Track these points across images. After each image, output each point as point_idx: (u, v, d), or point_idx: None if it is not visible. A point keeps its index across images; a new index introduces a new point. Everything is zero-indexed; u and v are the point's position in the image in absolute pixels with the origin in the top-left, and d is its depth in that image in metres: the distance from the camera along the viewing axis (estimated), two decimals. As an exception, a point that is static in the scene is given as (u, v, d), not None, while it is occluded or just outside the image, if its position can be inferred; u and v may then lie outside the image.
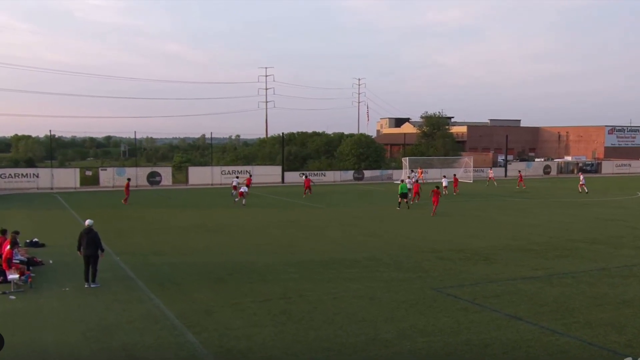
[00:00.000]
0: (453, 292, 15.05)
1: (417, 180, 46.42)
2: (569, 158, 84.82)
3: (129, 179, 40.95)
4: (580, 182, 45.94)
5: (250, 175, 49.23)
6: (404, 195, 34.90)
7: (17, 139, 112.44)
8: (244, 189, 38.03)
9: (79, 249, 15.84)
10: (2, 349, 8.96)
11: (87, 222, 16.14)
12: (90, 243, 15.64)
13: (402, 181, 38.12)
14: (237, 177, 47.45)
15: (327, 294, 14.79)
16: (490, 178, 57.56)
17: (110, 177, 51.13)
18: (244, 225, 27.68)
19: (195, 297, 14.46)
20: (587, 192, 44.86)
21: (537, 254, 20.38)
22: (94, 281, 15.59)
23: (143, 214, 32.01)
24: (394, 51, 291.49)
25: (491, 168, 63.19)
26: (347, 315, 12.92)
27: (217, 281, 16.16)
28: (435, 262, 18.80)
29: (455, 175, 48.55)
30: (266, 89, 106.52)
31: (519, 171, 58.99)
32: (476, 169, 65.47)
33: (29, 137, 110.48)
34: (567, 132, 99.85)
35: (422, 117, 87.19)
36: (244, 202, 36.80)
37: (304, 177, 48.36)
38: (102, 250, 16.03)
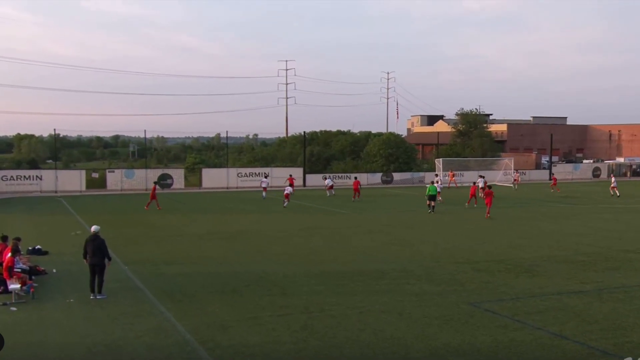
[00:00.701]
0: (491, 307, 14.90)
1: (446, 185, 47.17)
2: (621, 159, 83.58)
3: (155, 183, 41.51)
4: (612, 185, 47.45)
5: (291, 175, 50.26)
6: (431, 198, 35.79)
7: (20, 138, 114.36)
8: (288, 189, 39.61)
9: (84, 257, 16.04)
10: (2, 349, 9.61)
11: (93, 228, 16.36)
12: (97, 251, 15.80)
13: (432, 183, 38.37)
14: (266, 177, 48.16)
15: (352, 308, 14.76)
16: (515, 181, 57.01)
17: (118, 179, 51.75)
18: (263, 233, 27.77)
19: (209, 311, 14.53)
20: (618, 196, 45.92)
21: (585, 265, 20.11)
22: (100, 292, 15.74)
23: (153, 220, 32.31)
24: (427, 42, 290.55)
25: (517, 170, 61.86)
26: (374, 332, 12.87)
27: (233, 293, 16.22)
28: (472, 274, 18.65)
29: (517, 172, 49.77)
30: (286, 83, 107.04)
31: (552, 174, 58.55)
32: (518, 171, 64.85)
33: (31, 136, 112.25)
34: (619, 131, 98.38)
35: (457, 115, 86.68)
36: (285, 204, 38.21)
37: (354, 178, 49.12)
38: (109, 258, 16.19)
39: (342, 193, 49.23)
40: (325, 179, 50.97)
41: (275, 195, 46.73)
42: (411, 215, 34.74)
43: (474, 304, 15.19)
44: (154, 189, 39.08)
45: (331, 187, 48.62)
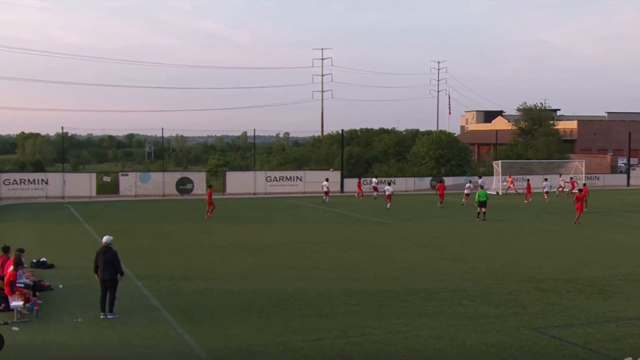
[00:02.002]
0: (558, 333, 14.69)
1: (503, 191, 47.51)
2: None
3: (210, 186, 42.12)
4: None
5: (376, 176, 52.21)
6: (481, 204, 36.32)
7: (24, 137, 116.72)
8: (389, 189, 42.61)
9: (95, 272, 16.22)
10: (2, 349, 10.46)
11: (105, 238, 16.53)
12: (108, 264, 15.93)
13: (482, 187, 38.39)
14: (327, 180, 48.45)
15: (396, 332, 14.68)
16: (510, 187, 55.68)
17: (132, 184, 52.41)
18: (294, 245, 27.84)
19: (233, 333, 14.59)
20: None
21: (669, 286, 19.71)
22: (111, 311, 15.89)
23: (170, 230, 32.65)
24: (483, 26, 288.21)
25: (510, 175, 58.00)
26: (422, 360, 12.79)
27: (260, 314, 16.27)
28: (535, 295, 18.43)
29: (572, 178, 49.04)
30: (322, 75, 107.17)
31: (571, 177, 57.08)
32: (589, 175, 63.87)
33: (37, 135, 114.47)
34: None
35: (518, 110, 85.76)
36: (388, 206, 40.59)
37: (437, 182, 49.63)
38: (122, 273, 16.35)
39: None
40: (389, 184, 48.64)
41: (303, 202, 46.78)
42: (464, 226, 34.48)
43: (538, 329, 14.99)
44: (210, 193, 39.59)
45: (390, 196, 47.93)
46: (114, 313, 15.87)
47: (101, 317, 15.76)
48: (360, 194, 52.34)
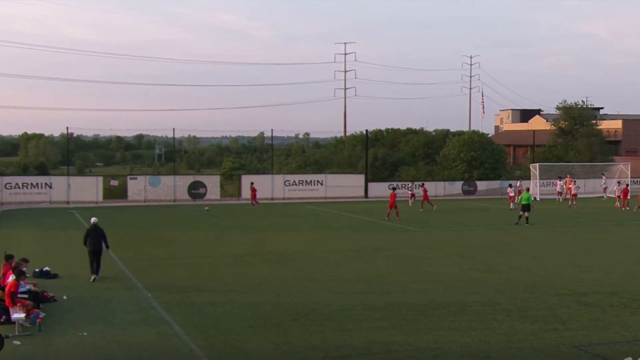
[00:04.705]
0: (602, 351, 14.60)
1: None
2: None
3: (252, 183, 46.93)
4: None
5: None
6: (525, 208, 36.65)
7: (27, 138, 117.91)
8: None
9: (85, 244, 21.95)
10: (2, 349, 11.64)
11: (93, 219, 22.62)
12: (97, 239, 21.92)
13: (527, 190, 38.82)
14: (511, 186, 49.26)
15: (424, 349, 14.63)
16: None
17: (141, 188, 52.65)
18: (314, 255, 27.86)
19: (249, 350, 14.61)
20: None
21: None
22: (97, 273, 21.65)
23: (182, 238, 32.80)
24: (520, 18, 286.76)
25: (570, 176, 56.43)
26: (453, 380, 12.73)
27: (277, 328, 16.28)
28: (577, 309, 18.31)
29: (627, 185, 50.14)
30: (345, 71, 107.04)
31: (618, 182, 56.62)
32: (635, 179, 63.27)
33: (40, 136, 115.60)
34: None
35: (558, 109, 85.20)
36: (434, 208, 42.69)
37: (513, 187, 49.73)
38: (108, 246, 22.15)
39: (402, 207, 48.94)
40: (510, 186, 50.06)
41: (325, 208, 46.69)
42: (499, 235, 34.32)
43: (580, 347, 14.90)
44: (254, 189, 43.40)
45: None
46: (99, 274, 21.72)
47: (91, 279, 21.52)
48: (254, 202, 49.43)
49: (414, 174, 65.56)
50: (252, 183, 50.71)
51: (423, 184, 50.35)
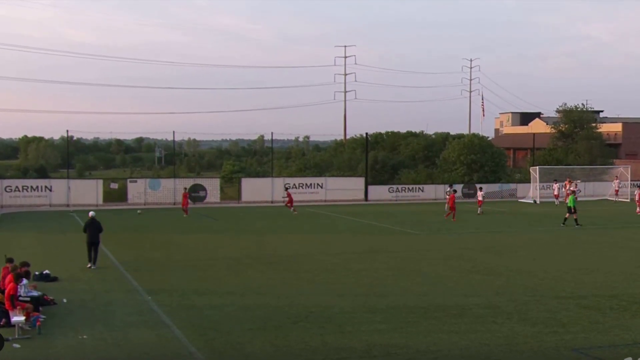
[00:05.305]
0: (601, 354, 14.61)
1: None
2: None
3: (287, 187, 47.98)
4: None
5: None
6: (569, 210, 38.24)
7: (27, 141, 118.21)
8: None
9: (84, 232, 24.86)
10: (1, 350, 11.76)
11: (91, 213, 25.29)
12: (94, 231, 24.61)
13: (574, 192, 40.86)
14: (481, 189, 49.07)
15: (424, 352, 14.63)
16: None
17: (141, 191, 52.68)
18: (314, 257, 27.86)
19: (248, 352, 14.61)
20: None
21: None
22: (94, 262, 24.38)
23: (182, 241, 32.79)
24: (520, 20, 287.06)
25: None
26: (453, 383, 12.73)
27: (277, 331, 16.27)
28: (577, 312, 18.31)
29: None
30: (345, 74, 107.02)
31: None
32: (635, 182, 63.26)
33: (40, 139, 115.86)
34: None
35: (558, 112, 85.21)
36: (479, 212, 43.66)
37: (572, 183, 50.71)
38: (101, 230, 25.09)
39: (408, 209, 48.87)
40: (480, 190, 49.23)
41: (323, 210, 46.68)
42: (499, 237, 34.34)
43: (579, 350, 14.90)
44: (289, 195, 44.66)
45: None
46: (96, 265, 24.39)
47: (88, 266, 24.26)
48: (185, 209, 45.27)
49: (414, 177, 65.64)
50: (286, 187, 51.37)
51: (455, 190, 47.67)
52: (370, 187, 58.55)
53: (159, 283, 22.08)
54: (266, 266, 25.62)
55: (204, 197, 54.09)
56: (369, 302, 19.29)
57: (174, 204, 51.68)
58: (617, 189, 58.13)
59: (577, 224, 37.68)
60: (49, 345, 15.18)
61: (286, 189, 51.19)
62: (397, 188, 59.72)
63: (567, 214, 38.43)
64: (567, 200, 39.57)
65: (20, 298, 17.02)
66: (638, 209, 46.36)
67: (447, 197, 44.97)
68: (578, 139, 79.04)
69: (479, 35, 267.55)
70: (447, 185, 52.92)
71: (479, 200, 46.83)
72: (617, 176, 60.03)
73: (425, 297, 20.06)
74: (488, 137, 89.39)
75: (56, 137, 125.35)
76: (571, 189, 44.46)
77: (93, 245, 24.62)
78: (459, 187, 60.95)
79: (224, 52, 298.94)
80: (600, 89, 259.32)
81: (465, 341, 15.44)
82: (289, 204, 47.21)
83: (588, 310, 18.55)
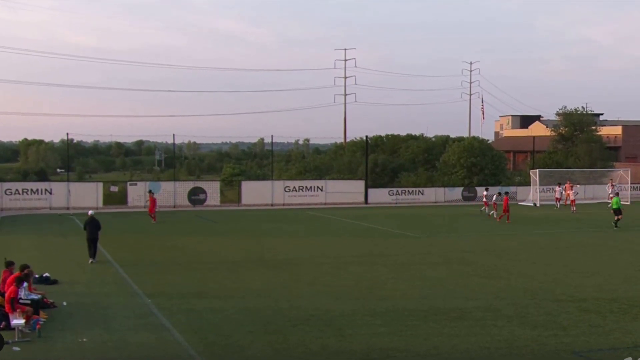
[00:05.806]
0: (602, 357, 14.62)
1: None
2: None
3: (151, 191, 45.46)
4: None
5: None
6: (617, 212, 38.81)
7: (27, 144, 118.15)
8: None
9: (84, 229, 26.57)
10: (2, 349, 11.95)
11: (90, 212, 27.21)
12: (94, 228, 26.28)
13: (617, 194, 41.69)
14: (487, 190, 48.90)
15: (424, 355, 14.63)
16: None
17: (141, 194, 52.56)
18: (314, 260, 27.87)
19: (249, 355, 14.60)
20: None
21: None
22: (94, 257, 26.06)
23: (183, 244, 32.77)
24: (521, 23, 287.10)
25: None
26: (453, 386, 12.73)
27: (277, 334, 16.27)
28: (577, 315, 18.31)
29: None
30: (345, 77, 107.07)
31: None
32: (635, 185, 63.32)
33: (40, 142, 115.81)
34: None
35: (558, 115, 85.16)
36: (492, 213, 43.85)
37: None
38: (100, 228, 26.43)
39: (405, 212, 48.87)
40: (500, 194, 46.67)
41: (323, 213, 46.66)
42: (499, 240, 34.34)
43: (580, 353, 14.91)
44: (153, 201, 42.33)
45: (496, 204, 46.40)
46: (95, 259, 26.12)
47: (89, 261, 25.91)
48: (153, 215, 42.74)
49: (414, 180, 65.62)
50: (150, 191, 46.02)
51: (507, 193, 46.58)
52: (370, 190, 58.52)
53: (159, 286, 22.07)
54: (266, 269, 25.60)
55: (204, 200, 54.08)
56: (368, 305, 19.27)
57: (174, 206, 51.68)
58: (611, 195, 57.62)
59: (616, 226, 38.27)
60: (48, 348, 15.18)
61: (150, 192, 45.58)
62: (397, 191, 59.66)
63: (616, 216, 38.86)
64: (611, 203, 40.59)
65: (21, 301, 17.04)
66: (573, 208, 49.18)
67: (493, 201, 45.47)
68: (578, 142, 79.03)
69: (479, 38, 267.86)
70: (483, 190, 51.71)
71: (494, 204, 45.81)
72: (611, 179, 60.43)
73: (425, 300, 20.06)
74: (488, 140, 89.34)
75: (56, 140, 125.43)
76: (615, 190, 46.28)
77: (92, 241, 26.36)
78: (458, 190, 61.08)
79: (225, 55, 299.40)
80: (600, 91, 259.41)
81: (465, 344, 15.43)
82: (150, 212, 42.52)
83: (588, 313, 18.54)
